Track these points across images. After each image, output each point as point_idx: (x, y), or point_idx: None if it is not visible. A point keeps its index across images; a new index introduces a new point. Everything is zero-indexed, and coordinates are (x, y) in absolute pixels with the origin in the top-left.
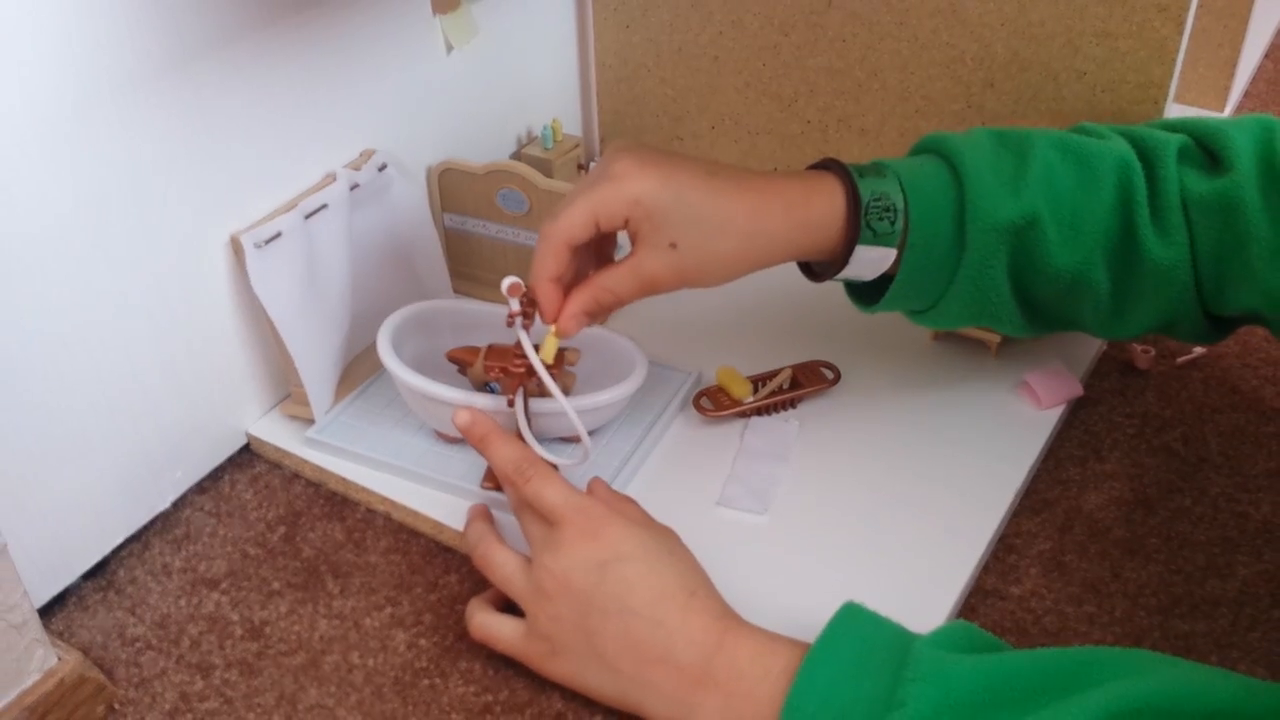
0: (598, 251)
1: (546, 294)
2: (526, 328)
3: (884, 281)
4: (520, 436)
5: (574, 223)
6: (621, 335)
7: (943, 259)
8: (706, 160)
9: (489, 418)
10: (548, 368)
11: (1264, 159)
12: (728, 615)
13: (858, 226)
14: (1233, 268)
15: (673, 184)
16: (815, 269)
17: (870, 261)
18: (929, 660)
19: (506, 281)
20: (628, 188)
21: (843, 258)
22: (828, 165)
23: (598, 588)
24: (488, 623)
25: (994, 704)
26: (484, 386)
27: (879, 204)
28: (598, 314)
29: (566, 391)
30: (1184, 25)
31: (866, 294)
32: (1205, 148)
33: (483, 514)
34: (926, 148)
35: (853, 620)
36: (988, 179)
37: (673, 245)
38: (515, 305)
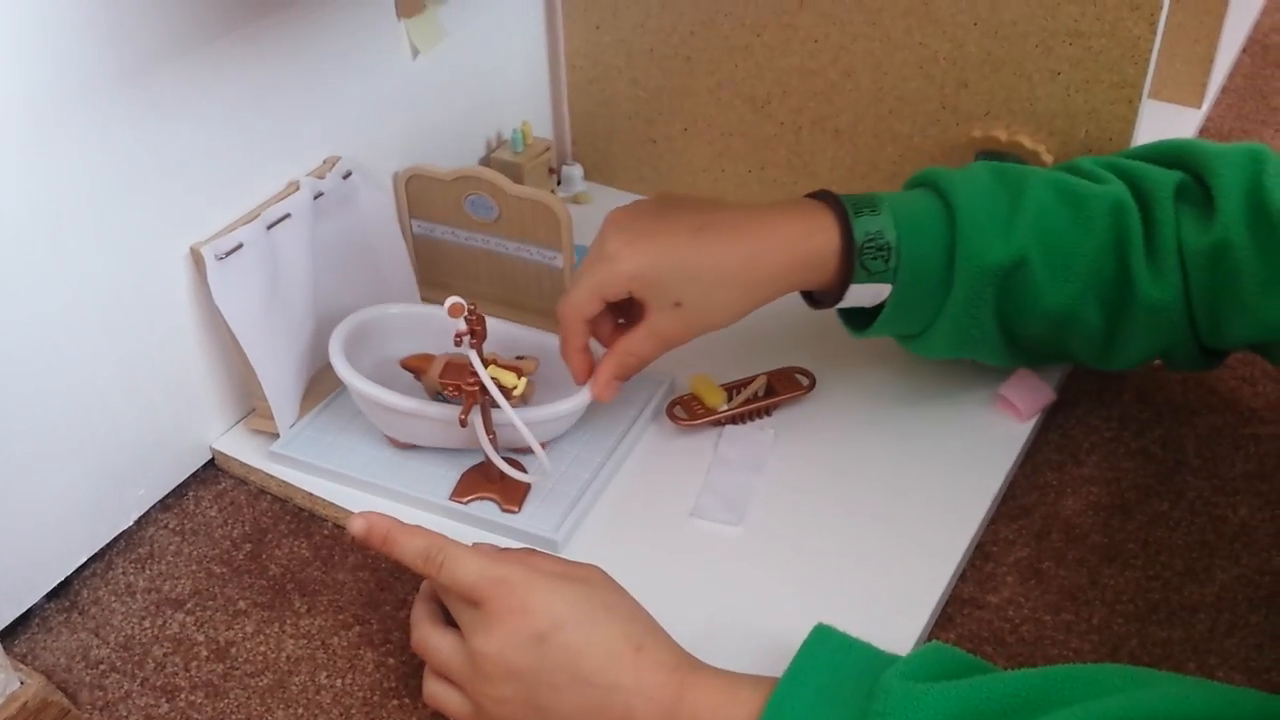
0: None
1: (578, 364)
2: (474, 346)
3: (877, 307)
4: (485, 453)
5: (583, 302)
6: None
7: (931, 294)
8: (698, 210)
9: (384, 518)
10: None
11: (1251, 194)
12: (681, 664)
13: (852, 266)
14: (1227, 304)
15: (665, 254)
16: (815, 297)
17: (866, 295)
18: (897, 693)
19: (448, 303)
20: (622, 267)
21: (838, 293)
22: (824, 197)
23: (542, 662)
24: (438, 694)
25: None
26: (437, 395)
27: (872, 244)
28: (626, 376)
29: (527, 400)
30: (1156, 24)
31: (858, 318)
32: (1199, 181)
33: (426, 594)
34: (923, 181)
35: (821, 647)
36: (980, 218)
37: (677, 304)
38: (461, 325)
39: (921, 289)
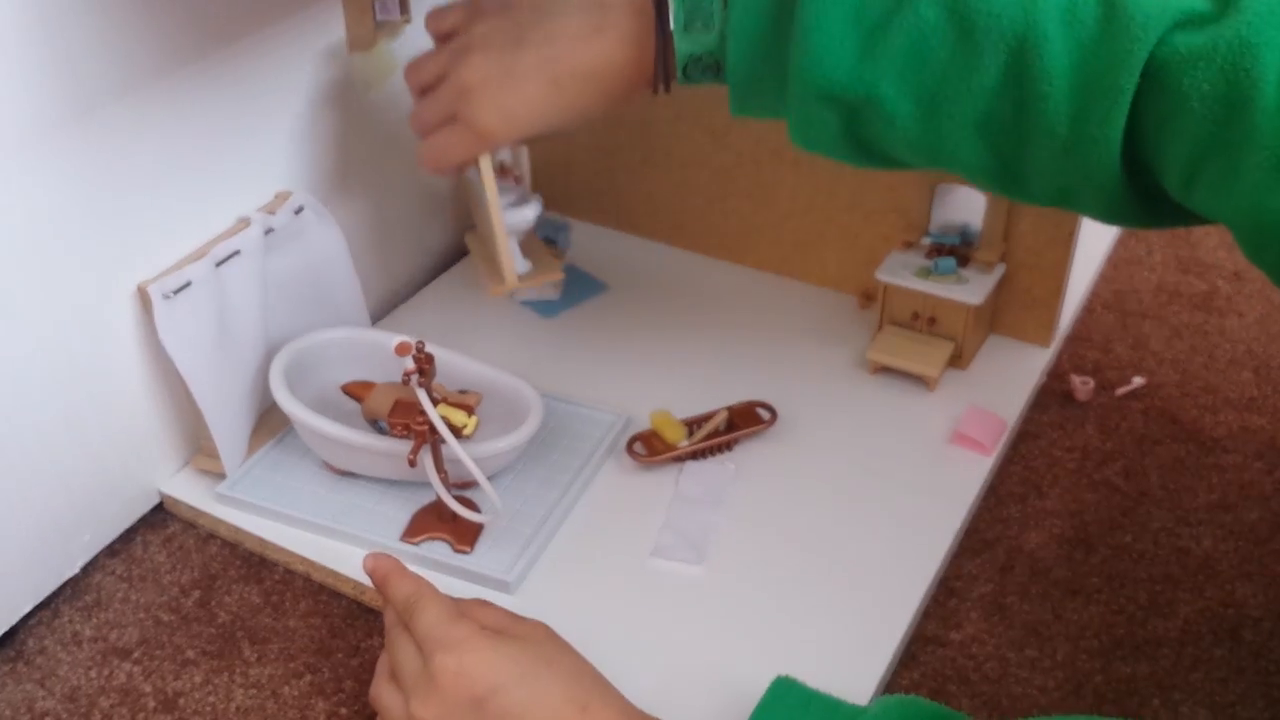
0: None
1: None
2: (423, 385)
3: None
4: (436, 493)
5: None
6: (514, 377)
7: (768, 103)
8: (546, 64)
9: (392, 557)
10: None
11: None
12: None
13: (672, 75)
14: (1216, 171)
15: (532, 127)
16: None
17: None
18: None
19: (395, 342)
20: (496, 144)
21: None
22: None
23: None
24: None
25: None
26: (374, 422)
27: (698, 64)
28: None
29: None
30: None
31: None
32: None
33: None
34: None
35: (780, 702)
36: (827, 33)
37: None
38: (409, 363)
39: (757, 100)
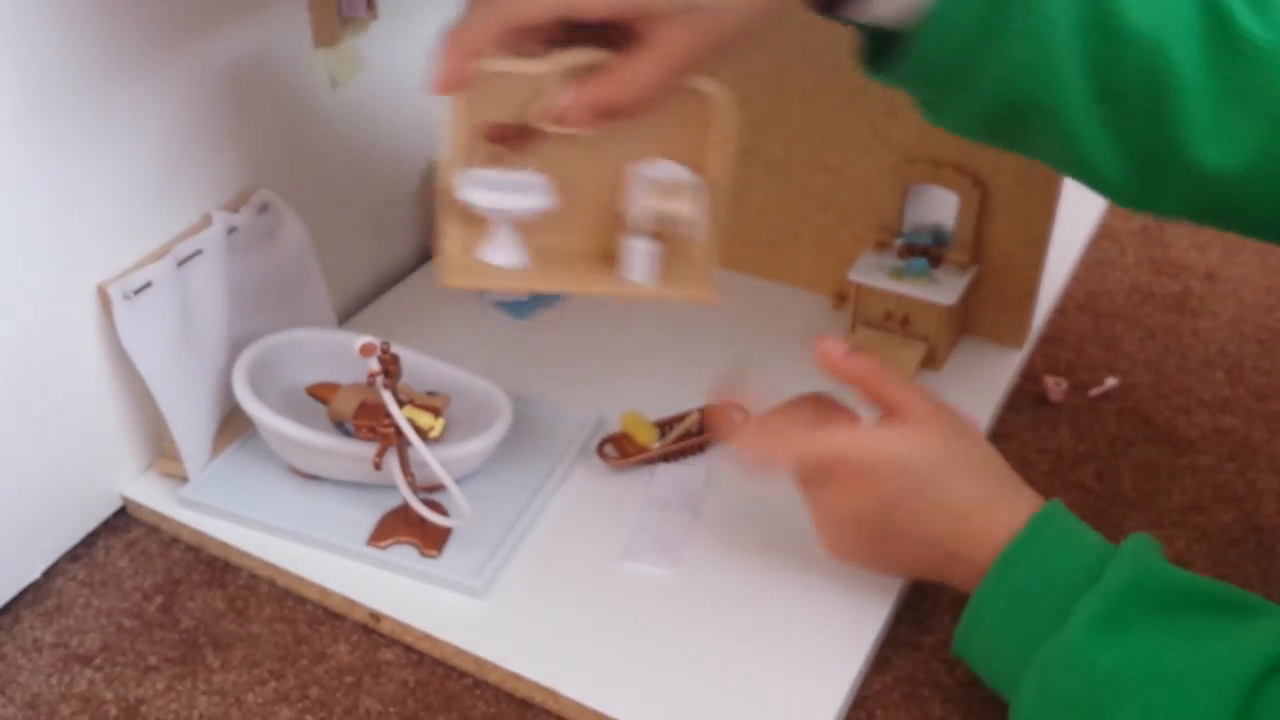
0: None
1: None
2: (388, 386)
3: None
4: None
5: (496, 35)
6: (483, 379)
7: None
8: None
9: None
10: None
11: None
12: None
13: None
14: None
15: None
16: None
17: (890, 5)
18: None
19: (359, 343)
20: None
21: None
22: None
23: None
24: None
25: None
26: (340, 424)
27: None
28: (612, 113)
29: (438, 438)
30: None
31: (880, 51)
32: None
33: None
34: None
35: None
36: None
37: (688, 9)
38: (374, 365)
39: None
